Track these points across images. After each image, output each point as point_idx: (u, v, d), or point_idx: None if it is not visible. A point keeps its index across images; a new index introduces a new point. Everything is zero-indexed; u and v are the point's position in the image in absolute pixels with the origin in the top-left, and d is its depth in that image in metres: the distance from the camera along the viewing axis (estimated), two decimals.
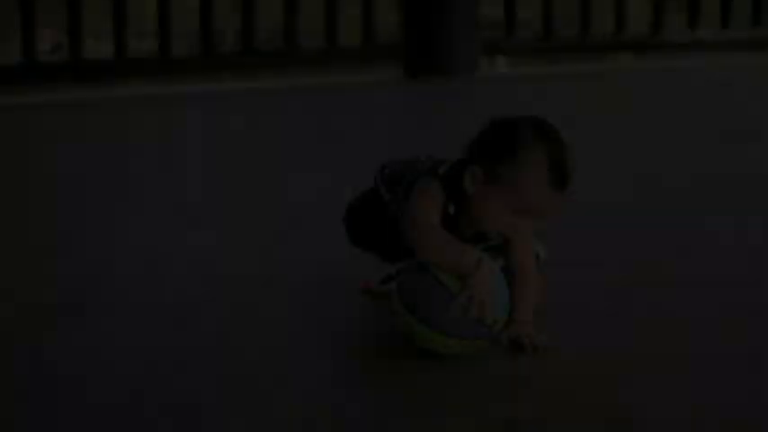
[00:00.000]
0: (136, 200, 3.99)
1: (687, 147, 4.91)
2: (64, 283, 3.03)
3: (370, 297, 2.78)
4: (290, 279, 2.98)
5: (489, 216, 2.44)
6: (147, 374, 2.41)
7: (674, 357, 2.44)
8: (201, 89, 6.83)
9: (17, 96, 6.50)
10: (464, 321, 2.36)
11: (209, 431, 2.15)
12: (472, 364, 2.38)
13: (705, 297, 2.85)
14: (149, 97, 6.61)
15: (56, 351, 2.53)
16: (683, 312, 2.74)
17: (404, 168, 2.63)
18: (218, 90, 6.88)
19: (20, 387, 2.32)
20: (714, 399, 2.21)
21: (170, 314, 2.78)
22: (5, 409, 2.20)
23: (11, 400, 2.26)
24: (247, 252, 3.30)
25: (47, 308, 2.82)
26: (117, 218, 3.72)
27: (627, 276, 3.02)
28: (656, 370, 2.37)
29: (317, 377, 2.37)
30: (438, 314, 2.37)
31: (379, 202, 2.64)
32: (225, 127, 5.79)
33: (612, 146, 4.97)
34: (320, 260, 3.12)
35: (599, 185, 3.99)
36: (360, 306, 2.78)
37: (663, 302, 2.81)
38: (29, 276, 3.11)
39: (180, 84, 6.99)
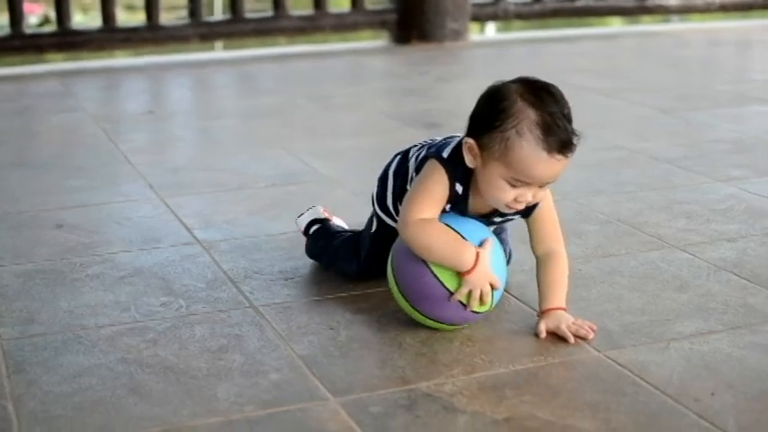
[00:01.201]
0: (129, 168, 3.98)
1: (677, 109, 4.90)
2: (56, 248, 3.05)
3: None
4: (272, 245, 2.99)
5: (492, 191, 2.34)
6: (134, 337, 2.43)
7: None
8: (191, 57, 6.81)
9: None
10: (457, 313, 2.38)
11: (198, 395, 2.18)
12: None
13: None
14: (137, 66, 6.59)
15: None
16: None
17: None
18: (207, 58, 6.85)
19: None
20: None
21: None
22: None
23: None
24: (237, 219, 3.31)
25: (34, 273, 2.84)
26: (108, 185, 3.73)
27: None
28: None
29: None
30: (432, 308, 2.40)
31: None
32: (213, 93, 5.80)
33: (600, 109, 4.96)
34: None
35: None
36: None
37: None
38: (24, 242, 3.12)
39: (169, 52, 6.97)
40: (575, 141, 2.31)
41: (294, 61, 6.66)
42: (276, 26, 6.91)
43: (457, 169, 2.39)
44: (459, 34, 6.95)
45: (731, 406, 2.11)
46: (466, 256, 2.34)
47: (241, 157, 4.07)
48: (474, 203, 2.44)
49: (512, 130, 2.27)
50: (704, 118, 4.70)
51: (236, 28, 6.86)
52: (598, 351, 2.34)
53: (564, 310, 2.46)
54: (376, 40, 7.22)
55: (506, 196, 2.33)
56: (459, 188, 2.40)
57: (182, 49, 6.84)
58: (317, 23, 6.96)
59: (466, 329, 2.46)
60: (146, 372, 2.28)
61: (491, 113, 2.32)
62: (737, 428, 2.03)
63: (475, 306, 2.37)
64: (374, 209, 2.71)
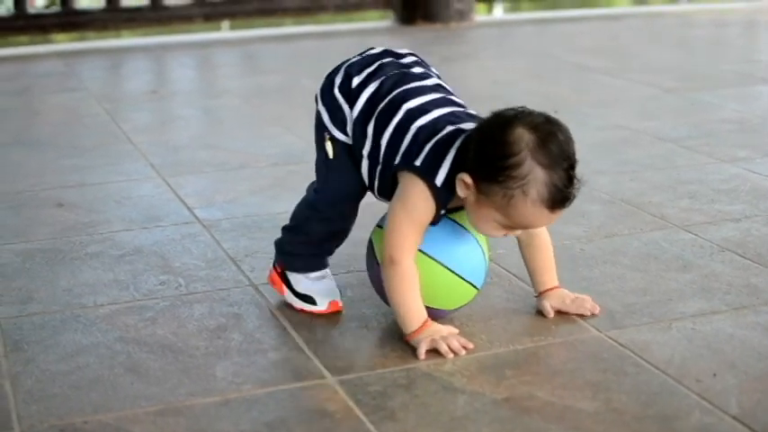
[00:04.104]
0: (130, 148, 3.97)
1: (682, 89, 4.88)
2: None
3: None
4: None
5: (482, 226, 2.25)
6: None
7: None
8: (195, 37, 6.79)
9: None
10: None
11: (196, 374, 2.17)
12: None
13: None
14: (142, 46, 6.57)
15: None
16: None
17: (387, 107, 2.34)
18: (210, 39, 6.83)
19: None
20: None
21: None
22: None
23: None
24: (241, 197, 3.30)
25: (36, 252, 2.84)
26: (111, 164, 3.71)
27: None
28: None
29: None
30: None
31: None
32: (217, 73, 5.79)
33: (602, 89, 4.94)
34: None
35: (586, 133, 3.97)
36: None
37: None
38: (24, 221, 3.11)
39: (173, 32, 6.96)
40: (576, 194, 2.21)
41: (298, 41, 6.65)
42: (281, 6, 6.89)
43: (446, 196, 2.26)
44: (464, 14, 6.92)
45: (733, 386, 2.09)
46: (408, 323, 2.27)
47: (243, 136, 4.05)
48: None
49: (517, 189, 2.13)
50: (709, 98, 4.67)
51: (241, 8, 6.84)
52: (599, 331, 2.33)
53: (559, 287, 2.46)
54: (381, 21, 7.19)
55: (495, 233, 2.26)
56: (443, 210, 2.28)
57: (186, 29, 6.82)
58: (322, 3, 6.95)
59: (465, 308, 2.43)
60: (143, 350, 2.26)
61: (496, 165, 2.15)
62: (739, 409, 2.01)
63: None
64: (327, 132, 2.42)
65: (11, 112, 4.67)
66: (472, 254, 2.36)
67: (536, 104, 4.43)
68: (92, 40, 6.85)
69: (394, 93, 2.34)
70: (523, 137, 2.14)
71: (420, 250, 2.29)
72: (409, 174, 2.25)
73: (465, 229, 2.36)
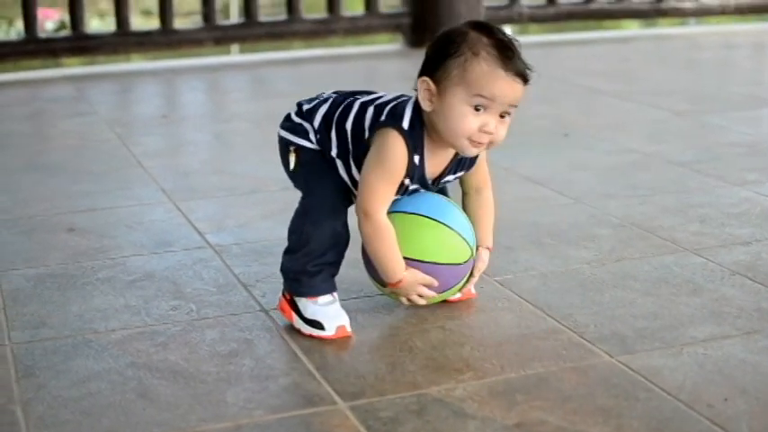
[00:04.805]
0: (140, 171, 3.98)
1: (691, 112, 4.88)
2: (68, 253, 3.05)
3: None
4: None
5: (455, 121, 2.34)
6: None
7: None
8: (205, 61, 6.82)
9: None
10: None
11: (207, 400, 2.17)
12: None
13: None
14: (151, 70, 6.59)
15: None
16: None
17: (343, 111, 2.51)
18: (220, 62, 6.86)
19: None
20: None
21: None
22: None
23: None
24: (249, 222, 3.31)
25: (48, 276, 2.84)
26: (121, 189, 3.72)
27: None
28: None
29: None
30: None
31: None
32: (227, 97, 5.80)
33: (616, 112, 4.94)
34: None
35: (588, 159, 3.98)
36: None
37: None
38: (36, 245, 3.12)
39: (183, 56, 6.99)
40: (527, 65, 2.39)
41: (308, 65, 6.66)
42: (290, 30, 6.91)
43: (416, 140, 2.41)
44: None
45: (744, 412, 2.09)
46: (391, 274, 2.44)
47: (254, 160, 4.07)
48: (430, 167, 2.46)
49: (468, 52, 2.34)
50: (719, 121, 4.67)
51: (251, 32, 6.85)
52: (610, 356, 2.33)
53: (489, 249, 2.62)
54: (390, 44, 7.20)
55: (471, 125, 2.35)
56: (416, 159, 2.41)
57: (196, 52, 6.84)
58: (331, 27, 6.95)
59: (476, 333, 2.44)
60: (155, 376, 2.27)
61: (445, 46, 2.38)
62: None
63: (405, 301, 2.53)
64: (291, 146, 2.56)
65: (22, 137, 4.69)
66: (458, 214, 2.53)
67: (546, 128, 4.47)
68: (102, 64, 6.86)
69: (346, 101, 2.52)
70: (464, 24, 2.42)
71: (412, 212, 2.47)
72: (377, 132, 2.41)
73: (452, 204, 2.55)
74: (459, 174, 2.54)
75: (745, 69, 6.58)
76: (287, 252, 2.54)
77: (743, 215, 3.30)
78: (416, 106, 2.42)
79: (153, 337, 2.47)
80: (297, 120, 2.57)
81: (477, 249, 2.56)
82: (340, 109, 2.51)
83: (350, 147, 2.47)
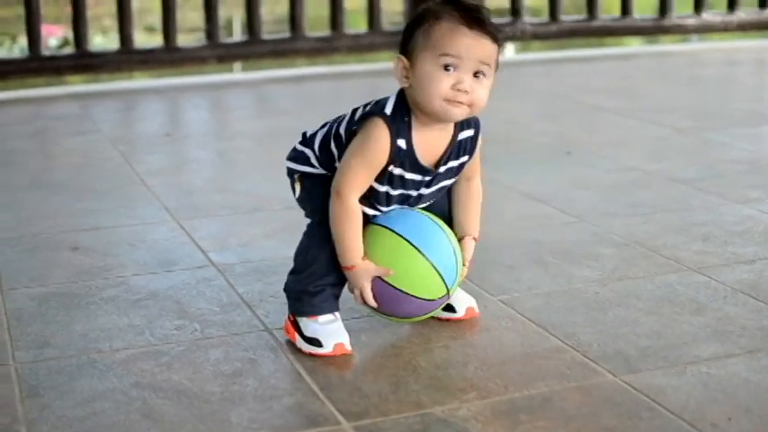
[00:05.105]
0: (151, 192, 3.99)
1: (693, 129, 4.88)
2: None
3: None
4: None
5: (429, 86, 2.38)
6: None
7: None
8: (208, 79, 6.83)
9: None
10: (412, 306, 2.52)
11: (211, 420, 2.17)
12: None
13: None
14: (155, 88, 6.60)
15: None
16: None
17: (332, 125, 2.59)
18: (223, 80, 6.87)
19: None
20: None
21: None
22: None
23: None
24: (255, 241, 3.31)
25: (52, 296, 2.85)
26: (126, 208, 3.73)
27: None
28: None
29: None
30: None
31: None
32: (230, 114, 5.81)
33: (617, 129, 4.95)
34: None
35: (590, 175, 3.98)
36: None
37: None
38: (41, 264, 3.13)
39: (186, 74, 7.01)
40: (495, 26, 2.42)
41: (311, 82, 6.68)
42: (293, 47, 6.92)
43: (399, 124, 2.43)
44: None
45: (748, 431, 2.09)
46: (348, 257, 2.46)
47: (257, 179, 4.07)
48: (423, 152, 2.46)
49: (431, 18, 2.40)
50: (721, 138, 4.68)
51: (254, 49, 6.86)
52: (614, 375, 2.33)
53: (475, 239, 2.64)
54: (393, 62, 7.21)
55: (443, 85, 2.37)
56: (401, 143, 2.43)
57: (199, 70, 6.85)
58: (334, 45, 6.97)
59: (480, 353, 2.45)
60: (159, 396, 2.27)
61: (412, 22, 2.44)
62: None
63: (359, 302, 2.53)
64: (295, 173, 2.63)
65: (26, 155, 4.70)
66: (447, 251, 2.51)
67: (548, 145, 4.48)
68: (106, 81, 6.88)
69: (341, 115, 2.58)
70: (431, 4, 2.46)
71: (398, 233, 2.48)
72: (362, 122, 2.46)
73: (446, 237, 2.52)
74: (462, 159, 2.53)
75: (747, 86, 6.59)
76: (292, 272, 2.55)
77: (746, 233, 3.30)
78: (401, 94, 2.47)
79: (157, 356, 2.47)
80: (300, 148, 2.60)
81: (462, 240, 2.59)
82: (335, 122, 2.56)
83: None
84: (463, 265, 2.57)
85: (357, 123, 2.47)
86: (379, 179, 2.46)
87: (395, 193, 2.50)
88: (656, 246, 3.19)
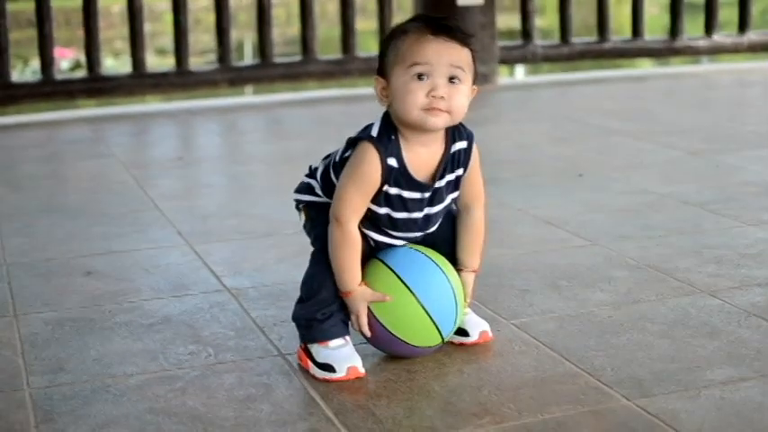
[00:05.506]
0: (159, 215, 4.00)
1: (706, 151, 4.88)
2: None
3: None
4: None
5: (406, 98, 2.39)
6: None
7: None
8: (220, 102, 6.86)
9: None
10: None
11: None
12: None
13: None
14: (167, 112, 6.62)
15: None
16: None
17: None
18: (235, 103, 6.90)
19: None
20: None
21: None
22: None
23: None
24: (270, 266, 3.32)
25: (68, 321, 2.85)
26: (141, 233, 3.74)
27: None
28: None
29: None
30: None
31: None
32: (242, 138, 5.82)
33: (630, 151, 4.95)
34: None
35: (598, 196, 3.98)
36: None
37: None
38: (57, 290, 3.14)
39: (198, 97, 7.04)
40: (463, 31, 2.45)
41: (323, 106, 6.69)
42: (305, 71, 6.95)
43: (387, 144, 2.44)
44: (487, 78, 6.95)
45: None
46: (345, 283, 2.47)
47: (269, 203, 4.08)
48: (415, 168, 2.47)
49: (400, 35, 2.43)
50: (733, 160, 4.68)
51: (265, 73, 6.90)
52: (628, 399, 2.33)
53: (475, 272, 2.65)
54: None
55: (418, 95, 2.39)
56: (392, 162, 2.44)
57: (211, 93, 6.88)
58: (346, 68, 7.00)
59: (494, 377, 2.44)
60: (173, 421, 2.27)
61: (383, 43, 2.49)
62: None
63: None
64: (300, 204, 2.67)
65: (40, 179, 4.72)
66: (446, 296, 2.50)
67: (561, 168, 4.48)
68: (118, 105, 6.92)
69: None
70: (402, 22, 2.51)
71: (398, 276, 2.48)
72: (352, 148, 2.48)
73: (447, 280, 2.52)
74: (458, 171, 2.53)
75: (758, 108, 6.59)
76: (299, 301, 2.56)
77: (759, 256, 3.30)
78: (386, 116, 2.48)
79: (171, 381, 2.48)
80: (305, 180, 2.64)
81: (461, 272, 2.59)
82: (335, 153, 2.57)
83: None
84: (465, 300, 2.59)
85: (348, 150, 2.50)
86: (375, 201, 2.47)
87: (398, 216, 2.50)
88: (669, 269, 3.19)
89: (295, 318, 2.56)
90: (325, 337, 2.51)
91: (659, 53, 7.85)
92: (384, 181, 2.44)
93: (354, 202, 2.45)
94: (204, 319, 2.87)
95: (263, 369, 2.54)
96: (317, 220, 2.57)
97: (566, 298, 2.97)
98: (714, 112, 6.24)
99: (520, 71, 9.18)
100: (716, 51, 7.98)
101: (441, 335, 2.50)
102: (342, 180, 2.47)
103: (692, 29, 7.87)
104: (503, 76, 7.54)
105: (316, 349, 2.51)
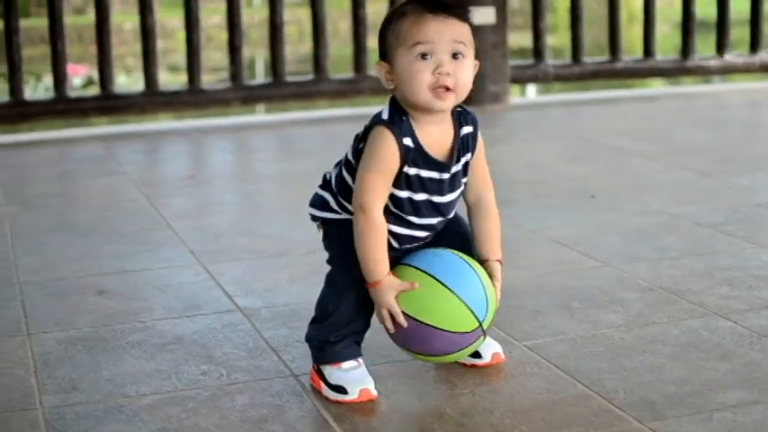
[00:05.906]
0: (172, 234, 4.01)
1: (718, 172, 4.88)
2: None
3: None
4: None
5: (411, 80, 2.41)
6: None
7: None
8: (232, 121, 6.88)
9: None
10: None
11: None
12: None
13: None
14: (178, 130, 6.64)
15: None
16: None
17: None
18: (247, 122, 6.91)
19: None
20: None
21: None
22: None
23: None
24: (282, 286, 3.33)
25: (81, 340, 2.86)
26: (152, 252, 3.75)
27: None
28: None
29: None
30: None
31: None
32: (254, 156, 5.84)
33: (642, 170, 4.95)
34: None
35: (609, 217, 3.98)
36: None
37: None
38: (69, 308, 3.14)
39: (210, 116, 7.06)
40: (460, 8, 2.49)
41: (335, 124, 6.69)
42: (317, 89, 6.97)
43: (400, 125, 2.45)
44: (498, 97, 6.96)
45: None
46: (372, 273, 2.45)
47: (282, 222, 4.09)
48: (432, 147, 2.48)
49: (398, 17, 2.45)
50: (746, 181, 4.67)
51: (277, 91, 6.92)
52: (640, 422, 2.32)
53: (500, 261, 2.61)
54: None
55: (424, 75, 2.41)
56: (407, 141, 2.44)
57: (223, 112, 6.90)
58: (358, 87, 7.01)
59: (506, 400, 2.44)
60: None
61: (382, 29, 2.50)
62: None
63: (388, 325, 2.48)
64: (317, 221, 2.64)
65: (52, 197, 4.74)
66: (474, 284, 2.49)
67: (573, 189, 4.48)
68: (130, 123, 6.93)
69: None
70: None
71: (425, 271, 2.46)
72: (365, 137, 2.49)
73: (473, 271, 2.51)
74: (467, 156, 2.55)
75: None
76: (313, 322, 2.56)
77: None
78: (393, 101, 2.50)
79: (183, 402, 2.48)
80: (320, 192, 2.62)
81: (485, 263, 2.57)
82: (345, 156, 2.59)
83: None
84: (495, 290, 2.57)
85: (361, 141, 2.51)
86: (397, 184, 2.47)
87: (418, 198, 2.49)
88: (682, 290, 3.19)
89: (308, 339, 2.56)
90: (337, 359, 2.51)
91: (671, 73, 7.85)
92: (403, 162, 2.44)
93: (377, 187, 2.44)
94: (217, 339, 2.88)
95: (276, 390, 2.54)
96: (333, 239, 2.57)
97: (578, 320, 2.97)
98: (726, 133, 6.24)
99: (531, 90, 9.19)
100: (727, 71, 7.97)
101: (477, 319, 2.47)
102: (361, 168, 2.46)
103: (704, 48, 7.87)
104: (514, 96, 7.55)
105: (328, 371, 2.51)
